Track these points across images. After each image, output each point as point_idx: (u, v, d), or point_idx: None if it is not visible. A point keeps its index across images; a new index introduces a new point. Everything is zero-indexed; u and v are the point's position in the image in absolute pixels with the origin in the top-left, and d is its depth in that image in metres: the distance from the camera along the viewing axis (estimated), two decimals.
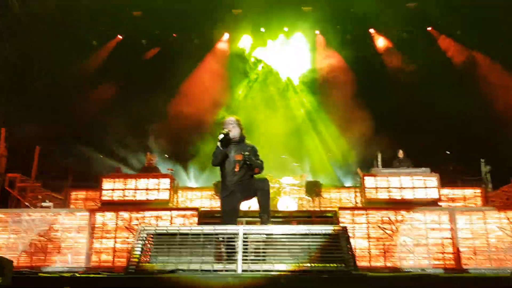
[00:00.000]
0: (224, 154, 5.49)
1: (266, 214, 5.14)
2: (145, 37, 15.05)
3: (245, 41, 15.24)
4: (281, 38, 15.28)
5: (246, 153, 5.41)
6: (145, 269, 4.18)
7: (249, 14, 14.07)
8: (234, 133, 5.57)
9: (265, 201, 5.28)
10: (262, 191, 5.30)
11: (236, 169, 5.41)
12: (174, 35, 15.13)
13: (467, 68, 14.04)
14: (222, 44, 15.46)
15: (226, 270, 4.13)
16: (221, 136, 5.44)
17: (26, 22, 12.61)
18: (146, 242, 4.35)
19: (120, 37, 15.16)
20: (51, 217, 8.85)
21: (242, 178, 5.41)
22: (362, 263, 8.04)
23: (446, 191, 11.25)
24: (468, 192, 11.52)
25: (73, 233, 8.78)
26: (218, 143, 5.48)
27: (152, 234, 4.41)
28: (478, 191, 11.55)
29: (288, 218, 8.98)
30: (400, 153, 11.21)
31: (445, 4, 13.52)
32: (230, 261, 4.21)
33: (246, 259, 4.15)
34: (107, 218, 8.95)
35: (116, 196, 10.04)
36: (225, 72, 14.96)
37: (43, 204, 10.87)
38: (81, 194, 11.98)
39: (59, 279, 4.20)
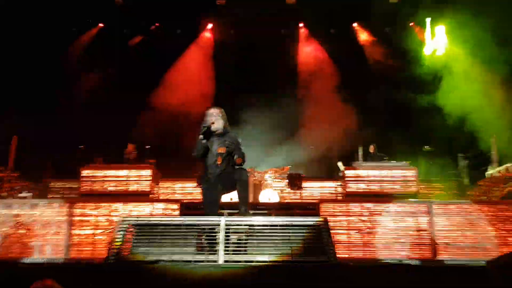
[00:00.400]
0: (206, 146, 5.46)
1: (244, 206, 5.16)
2: (128, 26, 14.82)
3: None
4: None
5: (227, 143, 5.42)
6: (125, 260, 4.17)
7: (233, 6, 13.98)
8: (217, 125, 5.53)
9: (243, 192, 5.29)
10: (240, 181, 5.29)
11: (219, 162, 5.39)
12: (157, 24, 14.96)
13: (448, 63, 14.21)
14: (206, 34, 15.37)
15: (208, 261, 4.14)
16: (203, 129, 5.41)
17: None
18: (127, 232, 4.33)
19: (101, 25, 14.92)
20: (29, 208, 8.71)
21: (224, 170, 5.39)
22: (342, 254, 8.13)
23: (423, 184, 11.46)
24: (446, 185, 11.75)
25: (52, 224, 8.65)
26: (200, 136, 5.44)
27: (133, 225, 4.39)
28: (455, 184, 11.79)
29: (270, 210, 9.02)
30: (371, 148, 11.36)
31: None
32: (212, 252, 4.22)
33: (228, 250, 4.17)
34: (86, 209, 8.85)
35: (96, 187, 9.95)
36: (210, 62, 14.87)
37: (21, 195, 10.70)
38: (60, 184, 11.82)
39: (38, 270, 4.16)
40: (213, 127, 5.52)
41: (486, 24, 12.13)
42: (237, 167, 5.50)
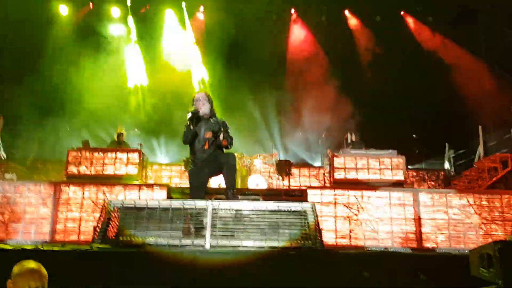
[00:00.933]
0: (194, 132, 5.43)
1: (231, 190, 5.14)
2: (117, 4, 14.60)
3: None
4: None
5: (213, 127, 5.42)
6: (111, 243, 4.14)
7: None
8: (204, 109, 5.50)
9: (230, 176, 5.26)
10: (227, 165, 5.26)
11: (206, 147, 5.37)
12: (147, 6, 14.76)
13: (437, 53, 14.28)
14: (198, 16, 15.18)
15: (194, 245, 4.13)
16: (189, 115, 5.36)
17: None
18: (113, 215, 4.29)
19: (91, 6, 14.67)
20: (14, 189, 8.62)
21: (210, 154, 5.38)
22: (328, 241, 8.20)
23: (411, 173, 11.57)
24: (432, 174, 11.88)
25: (37, 206, 8.58)
26: (188, 122, 5.41)
27: (119, 208, 4.36)
28: (441, 174, 11.92)
29: (257, 195, 9.02)
30: (353, 137, 11.38)
31: None
32: (198, 236, 4.21)
33: (215, 235, 4.16)
34: (72, 192, 8.78)
35: (83, 170, 9.86)
36: (200, 45, 14.73)
37: (6, 176, 10.58)
38: (47, 166, 11.71)
39: (22, 252, 4.11)
40: (201, 112, 5.49)
41: None
42: (225, 150, 5.47)
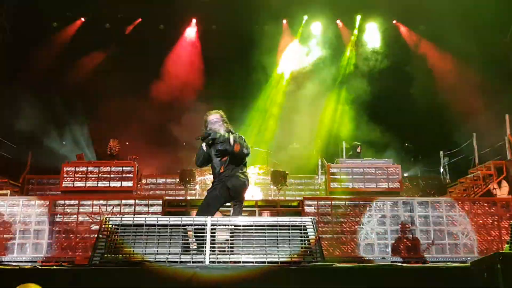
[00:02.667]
0: (207, 155, 5.21)
1: (237, 205, 5.02)
2: (109, 21, 14.58)
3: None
4: None
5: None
6: (110, 261, 4.10)
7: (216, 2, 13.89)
8: (221, 132, 5.17)
9: (237, 199, 5.11)
10: (233, 189, 5.01)
11: (221, 171, 5.13)
12: (139, 19, 14.76)
13: (428, 61, 14.41)
14: (190, 30, 15.20)
15: (194, 262, 4.09)
16: (208, 140, 5.11)
17: None
18: (111, 232, 4.25)
19: (82, 19, 14.65)
20: (8, 206, 8.55)
21: (226, 176, 5.10)
22: (324, 252, 8.17)
23: (406, 182, 11.61)
24: (427, 182, 11.93)
25: (32, 222, 8.51)
26: (203, 144, 5.18)
27: (117, 225, 4.32)
28: (436, 182, 11.97)
29: (253, 207, 9.00)
30: (359, 149, 11.40)
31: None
32: (198, 252, 4.18)
33: (214, 251, 4.13)
34: (68, 207, 8.72)
35: (78, 183, 9.80)
36: (197, 59, 14.72)
37: (0, 192, 10.49)
38: (41, 181, 11.62)
39: (19, 272, 4.06)
40: (218, 135, 5.14)
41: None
42: (233, 170, 5.11)
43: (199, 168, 5.47)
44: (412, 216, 8.59)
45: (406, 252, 8.33)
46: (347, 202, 8.74)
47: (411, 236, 8.49)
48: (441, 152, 12.21)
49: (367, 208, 8.65)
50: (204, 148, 5.21)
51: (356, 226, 8.53)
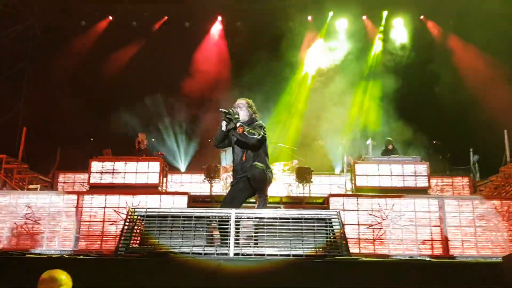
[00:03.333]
0: (223, 134, 5.18)
1: (262, 198, 4.92)
2: (136, 19, 14.76)
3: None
4: None
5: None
6: (135, 252, 4.13)
7: None
8: (242, 115, 5.20)
9: (258, 188, 4.95)
10: (252, 179, 4.92)
11: (243, 158, 5.08)
12: (165, 17, 14.89)
13: (457, 56, 14.08)
14: (216, 27, 15.24)
15: (218, 254, 4.08)
16: (225, 116, 5.10)
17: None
18: (136, 224, 4.28)
19: (110, 18, 14.87)
20: (38, 200, 8.74)
21: (249, 167, 5.04)
22: (352, 250, 8.07)
23: (435, 180, 11.36)
24: (457, 181, 11.64)
25: (61, 216, 8.69)
26: (222, 123, 5.14)
27: (142, 216, 4.34)
28: (466, 180, 11.68)
29: (278, 204, 8.96)
30: (390, 146, 11.20)
31: None
32: (222, 244, 4.17)
33: (238, 243, 4.11)
34: (95, 201, 8.87)
35: (105, 179, 9.94)
36: (223, 56, 14.75)
37: (30, 186, 10.74)
38: (69, 176, 11.86)
39: (46, 261, 4.13)
40: (239, 117, 5.16)
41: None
42: (252, 164, 5.03)
43: (216, 147, 5.40)
44: (441, 215, 8.40)
45: (435, 251, 8.15)
46: (373, 199, 8.61)
47: (440, 234, 8.31)
48: (470, 149, 11.89)
49: (394, 205, 8.50)
50: (224, 127, 5.17)
51: (383, 224, 8.39)
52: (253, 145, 5.02)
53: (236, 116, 5.11)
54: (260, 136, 4.99)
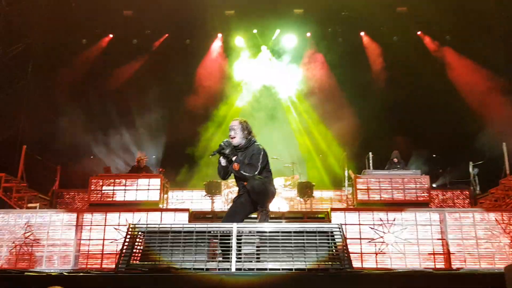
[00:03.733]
0: (226, 168, 5.15)
1: (262, 211, 4.87)
2: (136, 36, 14.88)
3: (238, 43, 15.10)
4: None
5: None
6: (136, 268, 4.09)
7: (241, 15, 14.02)
8: (238, 139, 5.11)
9: (258, 200, 4.89)
10: (252, 192, 4.88)
11: (245, 183, 5.02)
12: (166, 35, 15.02)
13: (457, 73, 14.16)
14: (216, 44, 15.35)
15: (219, 269, 4.05)
16: (212, 153, 5.10)
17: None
18: (137, 240, 4.26)
19: (111, 36, 14.99)
20: (37, 219, 8.69)
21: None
22: (354, 264, 8.01)
23: (435, 193, 11.35)
24: (457, 194, 11.63)
25: (60, 235, 8.63)
26: (220, 158, 5.12)
27: (143, 232, 4.32)
28: (466, 193, 11.67)
29: (280, 218, 8.92)
30: (395, 158, 11.18)
31: (435, 9, 13.63)
32: (224, 259, 4.14)
33: (240, 258, 4.08)
34: (95, 220, 8.81)
35: (105, 197, 9.90)
36: (223, 72, 14.83)
37: (29, 205, 10.70)
38: (69, 194, 11.82)
39: (46, 279, 4.09)
40: (234, 142, 5.11)
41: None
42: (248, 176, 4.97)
43: (224, 179, 5.36)
44: (442, 228, 8.37)
45: (437, 264, 8.09)
46: (375, 213, 8.58)
47: (441, 247, 8.26)
48: (470, 162, 11.90)
49: (396, 219, 8.48)
50: (222, 162, 5.16)
51: (385, 238, 8.35)
52: (250, 179, 4.96)
53: (229, 150, 5.05)
54: (257, 170, 4.95)
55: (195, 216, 9.13)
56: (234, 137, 5.12)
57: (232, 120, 5.29)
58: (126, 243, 4.25)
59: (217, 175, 5.42)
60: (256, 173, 4.92)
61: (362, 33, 15.21)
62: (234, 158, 5.01)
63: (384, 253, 8.24)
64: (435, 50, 14.82)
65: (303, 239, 4.14)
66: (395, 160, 10.99)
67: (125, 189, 9.92)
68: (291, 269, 3.97)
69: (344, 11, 14.02)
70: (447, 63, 14.43)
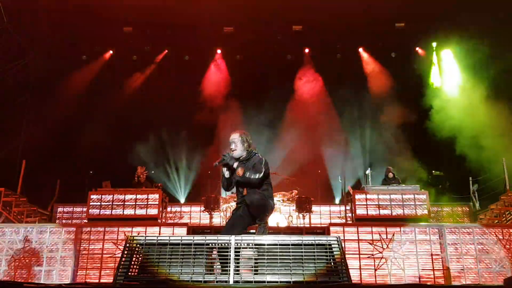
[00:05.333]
0: (229, 179, 5.19)
1: (261, 225, 4.87)
2: (136, 52, 15.01)
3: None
4: None
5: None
6: (134, 280, 4.09)
7: (240, 32, 14.16)
8: (238, 151, 5.15)
9: (257, 215, 4.91)
10: (251, 206, 4.89)
11: (244, 192, 5.05)
12: (165, 51, 15.16)
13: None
14: (216, 60, 15.45)
15: (218, 281, 4.05)
16: (221, 161, 5.11)
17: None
18: (135, 252, 4.26)
19: (111, 52, 15.11)
20: (36, 233, 8.69)
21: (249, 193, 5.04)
22: (353, 279, 7.98)
23: (434, 209, 11.34)
24: (456, 210, 11.63)
25: (59, 249, 8.62)
26: (224, 169, 5.15)
27: (141, 245, 4.33)
28: (466, 209, 11.66)
29: (279, 234, 8.90)
30: (390, 174, 11.17)
31: (432, 25, 13.79)
32: (222, 272, 4.14)
33: (238, 270, 4.08)
34: (93, 234, 8.82)
35: (104, 211, 9.90)
36: (223, 89, 14.92)
37: (28, 219, 10.68)
38: (68, 209, 11.81)
39: None
40: (235, 155, 5.15)
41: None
42: (248, 190, 5.02)
43: (226, 192, 5.40)
44: (441, 243, 8.37)
45: (436, 280, 8.06)
46: (374, 229, 8.59)
47: (441, 263, 8.24)
48: (470, 178, 11.91)
49: (395, 235, 8.48)
50: (226, 174, 5.18)
51: (383, 253, 8.33)
52: (255, 184, 5.00)
53: (231, 160, 5.10)
54: (262, 174, 4.97)
55: (194, 231, 9.13)
56: (235, 150, 5.16)
57: (232, 133, 5.31)
58: (124, 256, 4.25)
59: (215, 190, 5.46)
60: (260, 176, 4.95)
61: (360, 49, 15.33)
62: (235, 165, 5.04)
63: (383, 269, 8.22)
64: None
65: (301, 252, 4.15)
66: (390, 175, 10.97)
67: (124, 204, 9.91)
68: (289, 282, 3.97)
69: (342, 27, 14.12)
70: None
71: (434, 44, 14.81)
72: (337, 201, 12.70)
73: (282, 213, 10.68)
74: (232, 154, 5.15)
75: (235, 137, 5.22)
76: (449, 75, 14.55)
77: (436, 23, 13.69)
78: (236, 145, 5.17)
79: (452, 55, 14.57)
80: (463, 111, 12.89)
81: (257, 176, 4.93)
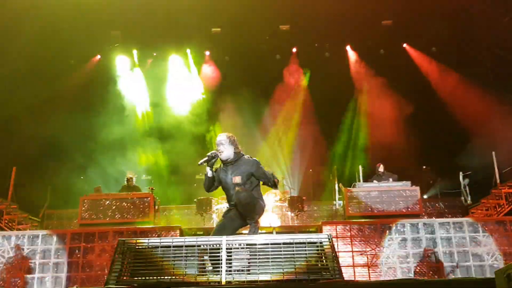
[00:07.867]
0: (212, 179, 5.18)
1: (252, 224, 4.86)
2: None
3: None
4: None
5: (242, 170, 5.05)
6: (125, 283, 4.07)
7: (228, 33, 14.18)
8: (227, 153, 5.08)
9: (246, 213, 4.88)
10: (239, 205, 4.88)
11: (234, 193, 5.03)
12: (154, 54, 15.10)
13: (442, 84, 14.32)
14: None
15: (210, 282, 4.04)
16: (203, 160, 5.08)
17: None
18: (127, 255, 4.24)
19: (98, 56, 15.02)
20: (28, 240, 8.63)
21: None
22: (346, 277, 8.00)
23: (426, 204, 11.40)
24: (448, 204, 11.71)
25: (51, 256, 8.58)
26: (207, 168, 5.13)
27: (132, 248, 4.30)
28: (457, 203, 11.74)
29: (271, 234, 8.91)
30: (381, 168, 11.17)
31: (420, 22, 13.85)
32: (214, 272, 4.13)
33: (230, 270, 4.08)
34: (85, 239, 8.77)
35: (95, 216, 9.83)
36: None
37: (20, 226, 10.60)
38: (60, 215, 11.74)
39: None
40: (223, 156, 5.09)
41: None
42: (238, 189, 4.97)
43: (208, 192, 5.40)
44: (434, 238, 8.41)
45: (429, 275, 8.11)
46: (366, 226, 8.62)
47: (434, 258, 8.29)
48: (460, 173, 11.97)
49: (387, 231, 8.51)
50: (209, 173, 5.18)
51: (376, 250, 8.36)
52: (273, 182, 5.12)
53: (214, 160, 5.14)
54: (269, 171, 5.14)
55: (186, 233, 9.10)
56: (223, 152, 5.11)
57: (218, 135, 5.29)
58: (115, 259, 4.23)
59: (207, 192, 5.43)
60: (270, 172, 5.15)
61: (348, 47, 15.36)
62: (210, 173, 5.18)
63: (376, 266, 8.25)
64: (422, 64, 14.99)
65: (293, 250, 4.15)
66: (380, 170, 10.97)
67: (115, 208, 9.86)
68: (281, 281, 3.97)
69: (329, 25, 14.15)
70: (433, 76, 14.59)
71: None
72: (329, 199, 12.70)
73: (275, 212, 10.68)
74: (220, 156, 5.12)
75: (223, 138, 5.16)
76: None
77: None
78: (224, 146, 5.11)
79: None
80: None
81: (271, 177, 5.08)
